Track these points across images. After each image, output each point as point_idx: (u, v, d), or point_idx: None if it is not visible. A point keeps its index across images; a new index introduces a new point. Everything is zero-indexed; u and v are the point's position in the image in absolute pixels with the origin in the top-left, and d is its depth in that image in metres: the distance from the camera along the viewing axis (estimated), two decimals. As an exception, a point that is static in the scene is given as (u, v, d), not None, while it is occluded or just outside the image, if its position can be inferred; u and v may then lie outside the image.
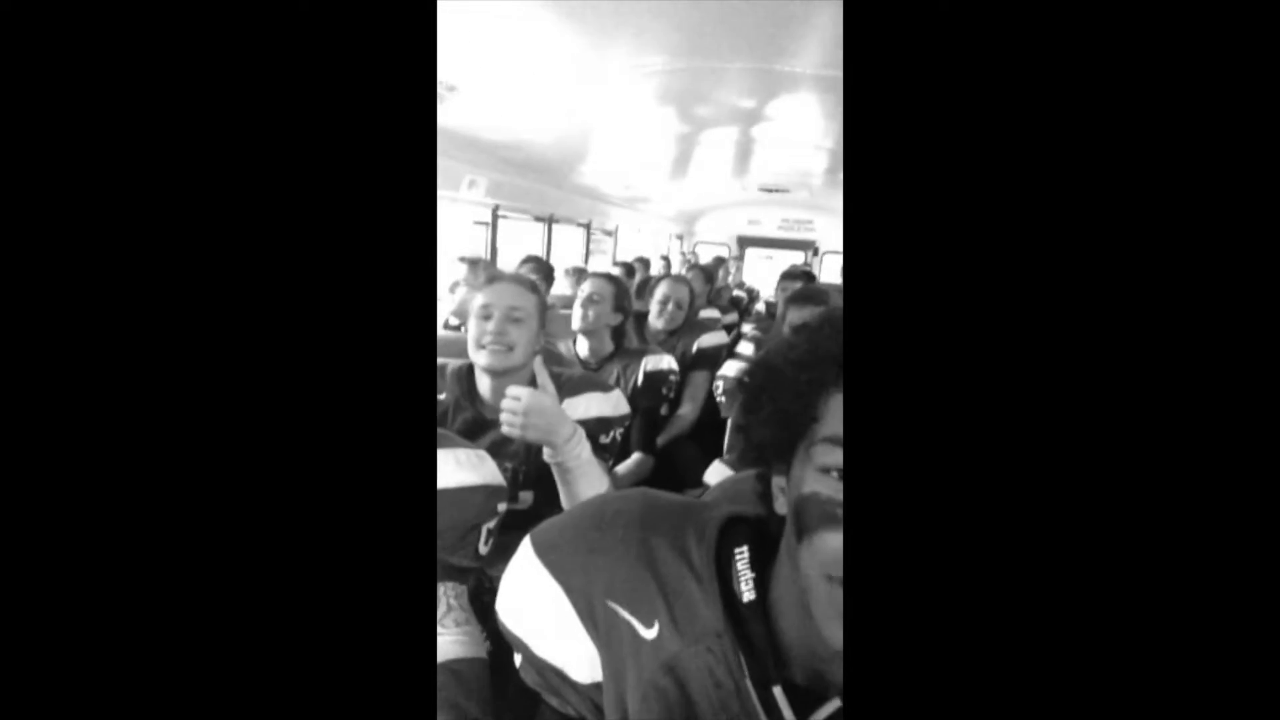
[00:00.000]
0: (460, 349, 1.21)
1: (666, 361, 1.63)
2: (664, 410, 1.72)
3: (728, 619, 0.44)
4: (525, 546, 0.51)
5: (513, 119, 2.33)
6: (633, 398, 1.36)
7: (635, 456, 1.56)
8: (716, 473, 1.15)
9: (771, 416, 0.43)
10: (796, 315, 1.51)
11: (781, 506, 0.43)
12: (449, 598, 0.59)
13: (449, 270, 1.99)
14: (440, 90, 1.95)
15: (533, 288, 1.10)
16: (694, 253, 5.75)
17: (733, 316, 3.21)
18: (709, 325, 2.18)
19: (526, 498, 1.06)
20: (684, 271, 3.11)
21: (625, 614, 0.45)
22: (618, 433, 1.09)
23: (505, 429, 0.85)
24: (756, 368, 0.45)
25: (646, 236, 5.78)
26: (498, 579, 1.00)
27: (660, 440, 1.73)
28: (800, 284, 2.25)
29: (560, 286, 3.09)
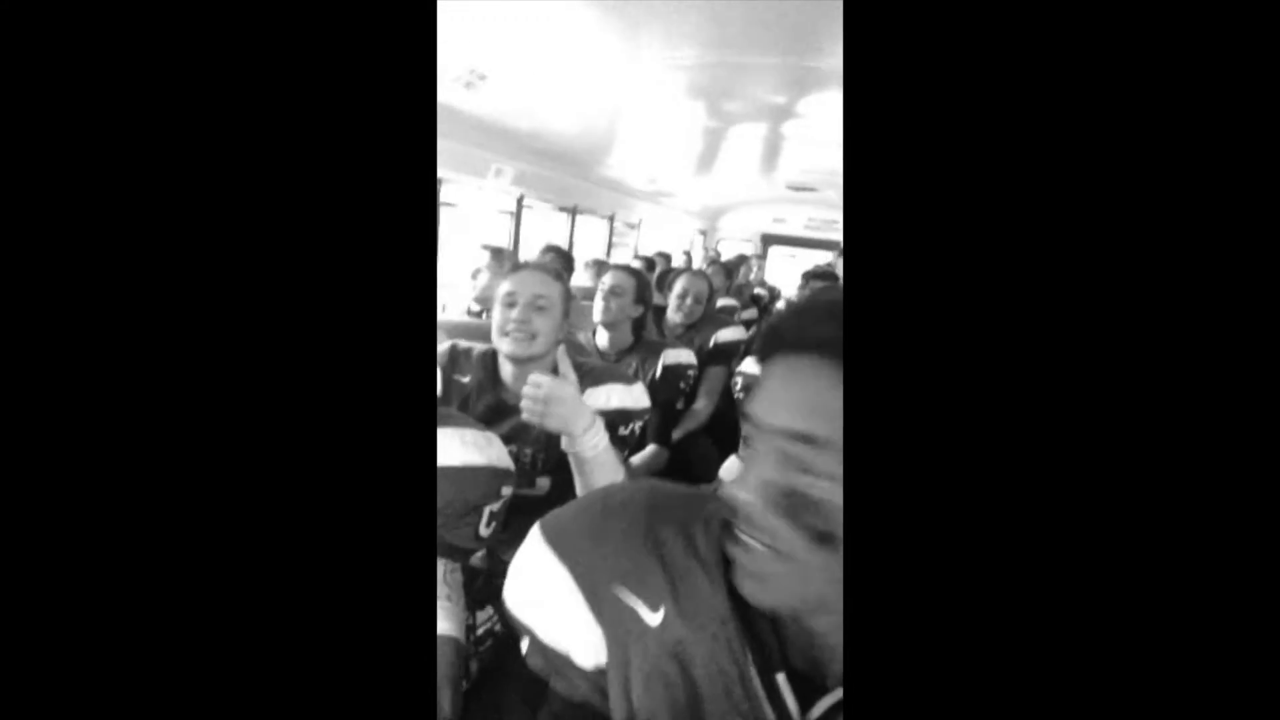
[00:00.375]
0: (483, 334, 1.22)
1: (685, 355, 1.63)
2: (680, 404, 1.73)
3: (732, 606, 0.44)
4: (534, 533, 0.52)
5: (541, 108, 2.33)
6: (651, 390, 1.37)
7: (650, 449, 1.57)
8: (731, 469, 1.14)
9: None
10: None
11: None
12: (439, 572, 0.60)
13: (473, 257, 2.00)
14: (470, 78, 1.96)
15: (558, 276, 1.11)
16: (716, 250, 5.72)
17: (752, 312, 3.20)
18: (727, 320, 2.17)
19: (544, 484, 1.07)
20: (705, 268, 3.10)
21: (631, 599, 0.46)
22: (637, 425, 1.10)
23: (525, 415, 0.86)
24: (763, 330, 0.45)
25: (670, 231, 5.77)
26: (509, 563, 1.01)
27: (675, 434, 1.73)
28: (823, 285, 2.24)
29: (581, 278, 3.10)
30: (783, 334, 0.41)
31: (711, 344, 1.99)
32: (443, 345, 1.16)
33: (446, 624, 0.56)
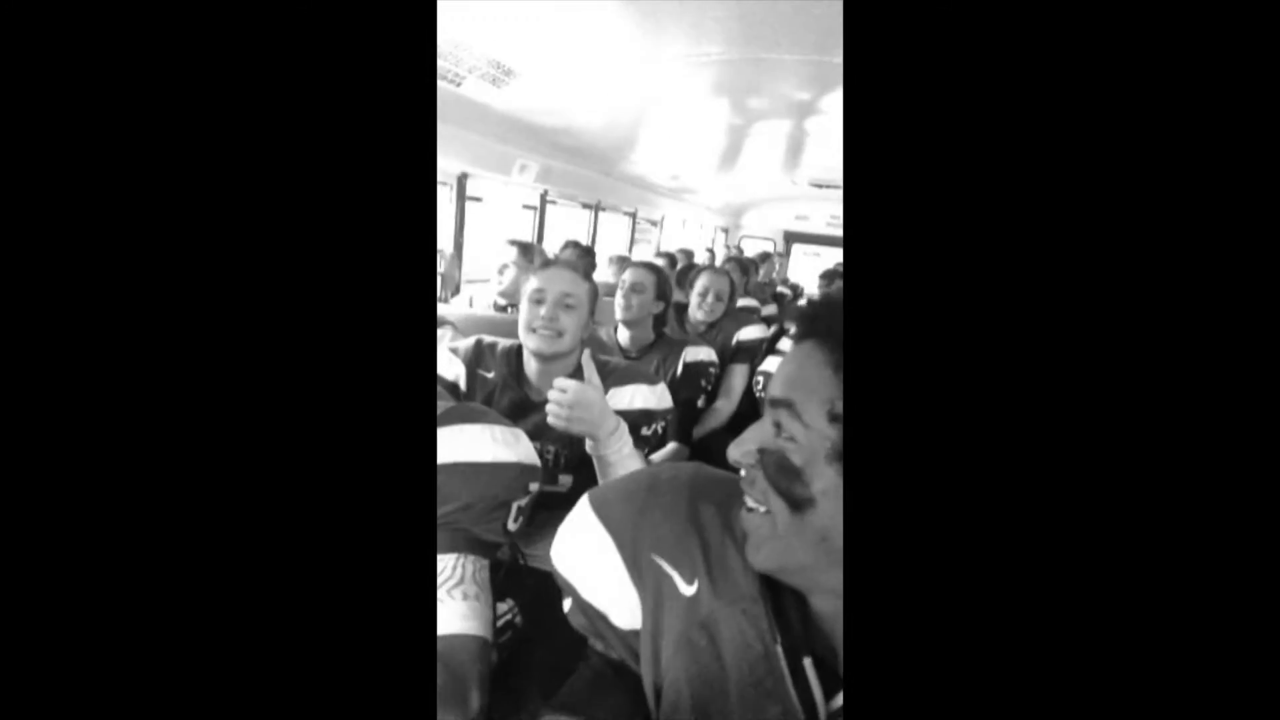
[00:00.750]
0: (507, 329, 1.24)
1: (706, 353, 1.63)
2: (700, 402, 1.72)
3: (764, 588, 0.46)
4: (582, 502, 0.55)
5: (567, 105, 2.34)
6: (672, 388, 1.37)
7: (670, 446, 1.57)
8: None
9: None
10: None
11: None
12: (464, 569, 0.60)
13: (499, 252, 2.02)
14: (497, 74, 1.97)
15: (586, 275, 1.12)
16: (738, 247, 5.69)
17: (772, 308, 3.18)
18: (749, 318, 2.16)
19: (566, 481, 1.08)
20: (726, 265, 3.09)
21: (668, 568, 0.48)
22: (660, 425, 1.10)
23: (551, 420, 0.87)
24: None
25: (692, 228, 5.75)
26: (533, 557, 1.03)
27: (696, 433, 1.73)
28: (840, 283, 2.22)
29: (604, 274, 3.11)
30: (804, 322, 0.45)
31: (734, 342, 1.99)
32: (468, 340, 1.18)
33: (473, 623, 0.57)
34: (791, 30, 1.75)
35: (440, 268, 2.20)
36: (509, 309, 1.94)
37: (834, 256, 6.00)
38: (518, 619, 0.93)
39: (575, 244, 2.70)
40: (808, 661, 0.43)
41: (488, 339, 1.17)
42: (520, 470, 0.66)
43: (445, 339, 1.42)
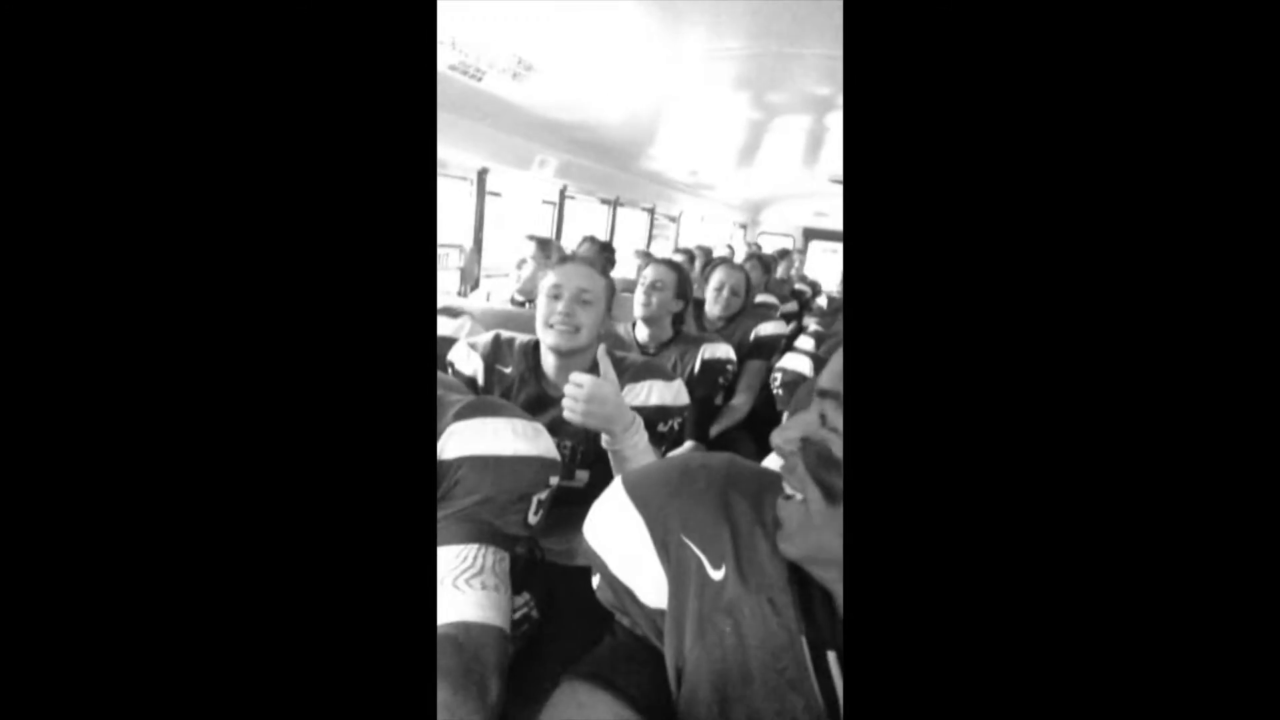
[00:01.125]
0: (524, 324, 1.24)
1: (724, 350, 1.62)
2: (718, 400, 1.72)
3: (791, 579, 0.46)
4: (616, 483, 0.56)
5: (586, 100, 2.34)
6: (689, 385, 1.37)
7: (687, 445, 1.57)
8: (770, 464, 1.13)
9: None
10: None
11: None
12: (485, 560, 0.61)
13: (517, 247, 2.03)
14: (518, 69, 1.98)
15: (603, 271, 1.12)
16: (757, 244, 5.65)
17: (792, 305, 3.15)
18: (767, 314, 2.15)
19: (583, 476, 1.09)
20: (745, 261, 3.07)
21: (697, 550, 0.49)
22: (676, 422, 1.10)
23: (567, 414, 0.88)
24: None
25: (710, 224, 5.73)
26: (550, 551, 1.03)
27: (713, 431, 1.72)
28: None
29: (627, 270, 3.10)
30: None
31: (752, 338, 1.98)
32: (486, 335, 1.18)
33: (493, 614, 0.57)
34: (812, 24, 1.73)
35: (460, 263, 2.22)
36: (527, 304, 1.95)
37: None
38: (534, 612, 0.94)
39: (593, 239, 2.70)
40: (832, 656, 0.43)
41: (506, 334, 1.18)
42: (541, 464, 0.66)
43: (464, 332, 1.43)
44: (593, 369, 1.02)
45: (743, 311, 2.08)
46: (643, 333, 1.67)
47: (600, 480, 1.03)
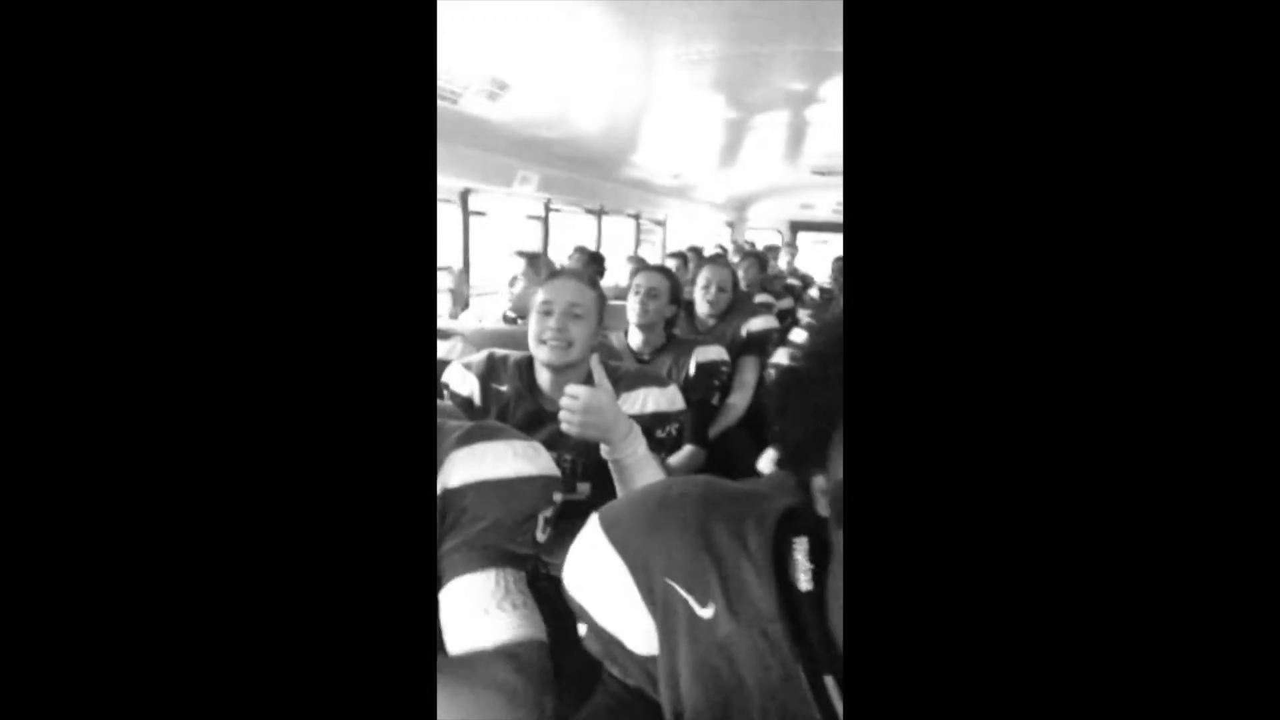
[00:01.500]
0: (519, 342, 1.24)
1: (716, 352, 1.63)
2: (715, 400, 1.72)
3: (782, 608, 0.44)
4: (592, 522, 0.53)
5: (563, 113, 2.35)
6: (685, 390, 1.37)
7: (687, 449, 1.57)
8: (769, 460, 1.13)
9: (801, 412, 0.43)
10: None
11: (824, 508, 0.43)
12: (507, 581, 0.61)
13: (506, 265, 2.04)
14: (492, 88, 1.99)
15: (592, 283, 1.12)
16: (749, 241, 5.66)
17: (787, 302, 3.15)
18: (757, 308, 2.14)
19: (584, 489, 1.09)
20: (736, 259, 3.07)
21: (682, 592, 0.47)
22: (673, 427, 1.10)
23: (564, 426, 0.88)
24: (782, 372, 0.46)
25: (697, 225, 5.74)
26: (554, 566, 1.03)
27: (712, 432, 1.72)
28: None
29: (619, 278, 3.10)
30: None
31: (744, 334, 1.97)
32: (480, 354, 1.19)
33: (530, 629, 0.58)
34: (785, 22, 1.74)
35: (449, 284, 2.22)
36: (518, 321, 1.96)
37: (841, 243, 5.95)
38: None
39: (583, 249, 2.70)
40: (829, 680, 0.43)
41: (499, 352, 1.18)
42: (545, 482, 0.67)
43: (456, 353, 1.43)
44: (587, 381, 1.02)
45: (733, 308, 2.08)
46: (636, 339, 1.68)
47: (603, 491, 1.03)
